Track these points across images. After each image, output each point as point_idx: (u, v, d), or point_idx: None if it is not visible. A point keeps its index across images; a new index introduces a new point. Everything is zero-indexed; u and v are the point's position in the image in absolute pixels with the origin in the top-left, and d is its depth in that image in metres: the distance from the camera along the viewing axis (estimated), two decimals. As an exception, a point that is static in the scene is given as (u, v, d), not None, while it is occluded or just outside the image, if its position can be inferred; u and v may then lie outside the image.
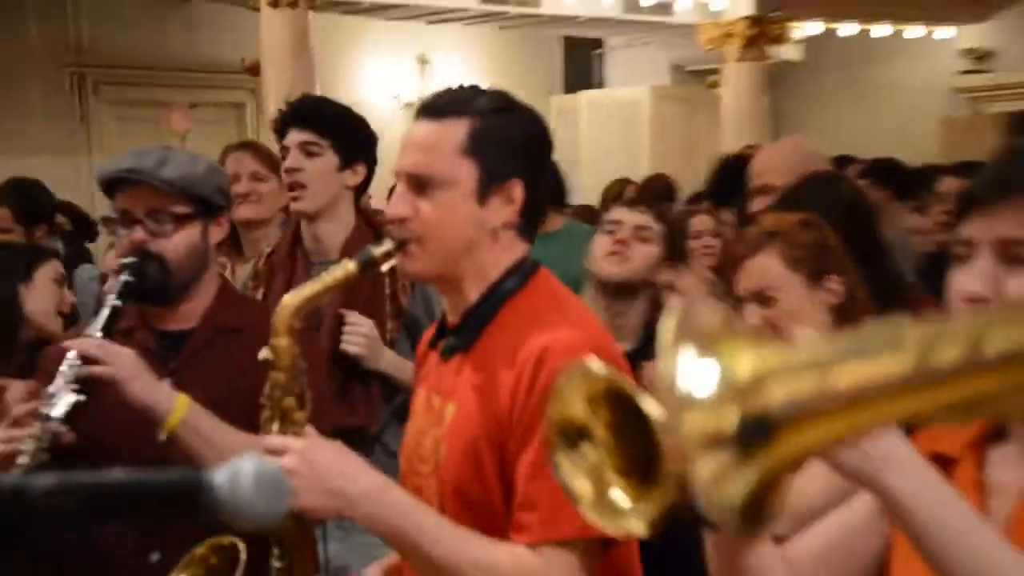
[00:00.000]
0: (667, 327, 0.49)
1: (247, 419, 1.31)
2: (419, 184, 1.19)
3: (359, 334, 1.83)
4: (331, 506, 1.11)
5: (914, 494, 0.69)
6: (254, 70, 5.92)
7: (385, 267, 1.20)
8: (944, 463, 0.88)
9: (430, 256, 1.19)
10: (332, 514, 1.18)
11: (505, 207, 1.19)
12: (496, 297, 1.20)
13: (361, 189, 2.10)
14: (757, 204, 2.03)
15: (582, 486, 0.67)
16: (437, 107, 1.23)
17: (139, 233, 1.46)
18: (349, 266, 1.17)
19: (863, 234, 1.74)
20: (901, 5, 7.22)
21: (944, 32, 7.68)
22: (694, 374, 0.46)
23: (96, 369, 1.30)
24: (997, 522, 0.81)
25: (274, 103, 3.93)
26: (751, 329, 0.58)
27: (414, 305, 2.00)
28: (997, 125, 6.65)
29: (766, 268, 1.43)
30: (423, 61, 7.35)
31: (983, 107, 7.58)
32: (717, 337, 0.48)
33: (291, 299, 1.18)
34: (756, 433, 0.44)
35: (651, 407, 0.57)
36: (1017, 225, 0.85)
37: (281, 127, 2.06)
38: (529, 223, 1.23)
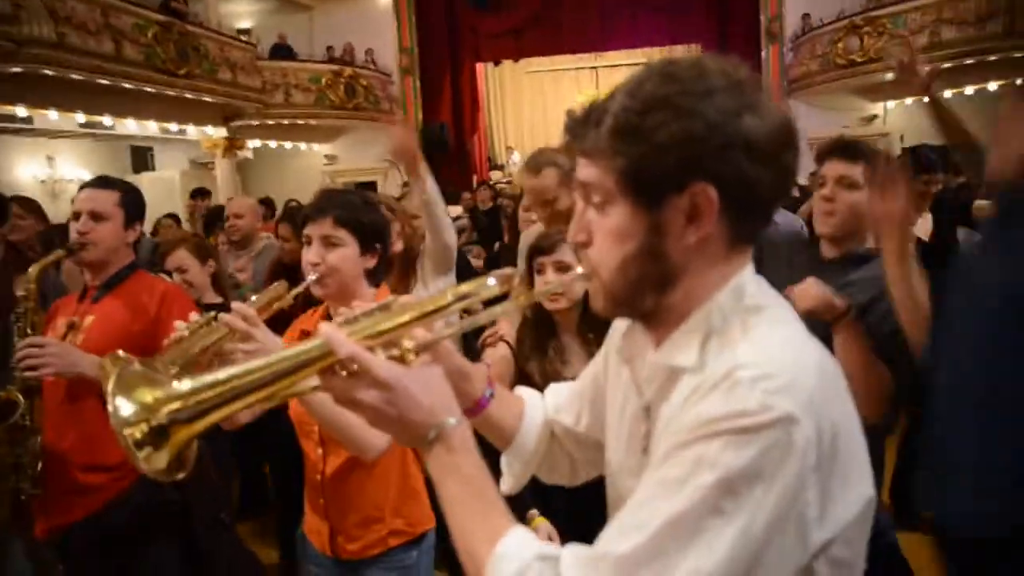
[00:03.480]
0: (108, 379, 0.79)
1: None
2: (93, 217, 2.19)
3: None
4: (67, 369, 2.00)
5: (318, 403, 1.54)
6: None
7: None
8: (307, 334, 1.88)
9: (100, 251, 2.19)
10: (65, 368, 2.03)
11: (133, 232, 2.28)
12: (123, 273, 2.28)
13: None
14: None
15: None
16: (99, 181, 2.25)
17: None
18: None
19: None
20: (293, 130, 15.27)
21: (315, 147, 16.44)
22: (123, 406, 0.78)
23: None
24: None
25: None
26: (148, 377, 0.83)
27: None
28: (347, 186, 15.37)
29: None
30: (50, 158, 13.08)
31: (336, 180, 16.35)
32: (134, 384, 0.80)
33: None
34: (158, 435, 0.78)
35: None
36: (330, 226, 1.79)
37: None
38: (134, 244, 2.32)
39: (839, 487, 0.76)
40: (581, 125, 0.86)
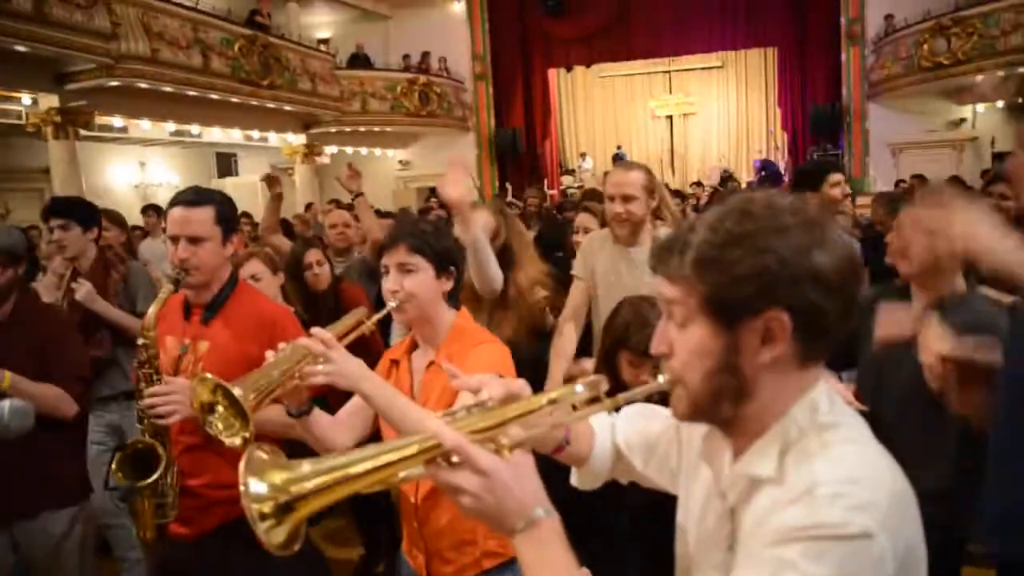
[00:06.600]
0: (241, 465, 0.89)
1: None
2: (193, 241, 2.14)
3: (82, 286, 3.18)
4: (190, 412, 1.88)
5: (372, 391, 1.66)
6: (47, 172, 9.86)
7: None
8: (395, 363, 2.00)
9: (204, 274, 2.18)
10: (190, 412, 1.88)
11: (231, 246, 2.24)
12: (227, 290, 2.25)
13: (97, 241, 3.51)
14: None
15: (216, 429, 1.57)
16: (191, 198, 2.18)
17: None
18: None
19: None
20: (369, 136, 15.83)
21: (390, 152, 16.87)
22: (254, 485, 0.89)
23: None
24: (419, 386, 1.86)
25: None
26: (275, 462, 0.92)
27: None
28: (418, 194, 15.74)
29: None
30: (142, 164, 13.83)
31: (409, 185, 16.82)
32: (264, 467, 0.91)
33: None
34: (282, 511, 0.88)
35: (239, 393, 1.18)
36: (405, 254, 1.86)
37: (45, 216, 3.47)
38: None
39: None
40: (666, 252, 0.98)
